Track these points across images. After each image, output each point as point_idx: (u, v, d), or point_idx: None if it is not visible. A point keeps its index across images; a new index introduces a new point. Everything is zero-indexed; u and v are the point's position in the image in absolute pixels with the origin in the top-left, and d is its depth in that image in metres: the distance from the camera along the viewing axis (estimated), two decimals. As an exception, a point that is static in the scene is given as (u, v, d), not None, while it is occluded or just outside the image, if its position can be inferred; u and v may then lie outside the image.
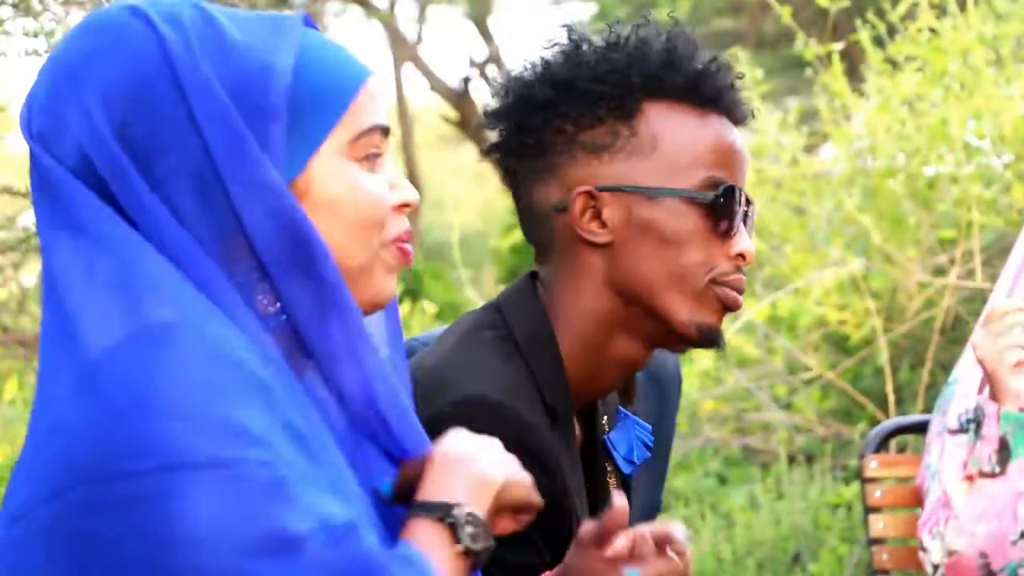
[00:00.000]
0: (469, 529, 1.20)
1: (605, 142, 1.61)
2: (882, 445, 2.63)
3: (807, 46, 4.99)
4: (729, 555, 4.56)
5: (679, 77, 1.62)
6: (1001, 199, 4.55)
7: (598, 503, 1.66)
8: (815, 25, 5.67)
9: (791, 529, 4.59)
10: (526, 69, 1.66)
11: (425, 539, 1.19)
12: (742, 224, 1.64)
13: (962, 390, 2.43)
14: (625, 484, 1.98)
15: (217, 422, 1.09)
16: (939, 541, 2.29)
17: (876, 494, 2.59)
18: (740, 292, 1.64)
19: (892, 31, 5.02)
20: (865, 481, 2.60)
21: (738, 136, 1.68)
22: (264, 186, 1.17)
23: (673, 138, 1.61)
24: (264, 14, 1.26)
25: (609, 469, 1.70)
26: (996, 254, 4.60)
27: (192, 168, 1.17)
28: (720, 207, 1.62)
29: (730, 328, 5.12)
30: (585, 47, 1.65)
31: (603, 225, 1.61)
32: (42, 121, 1.20)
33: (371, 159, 1.25)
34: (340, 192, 1.23)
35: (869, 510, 2.60)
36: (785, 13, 4.97)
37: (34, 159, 1.22)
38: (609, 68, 1.62)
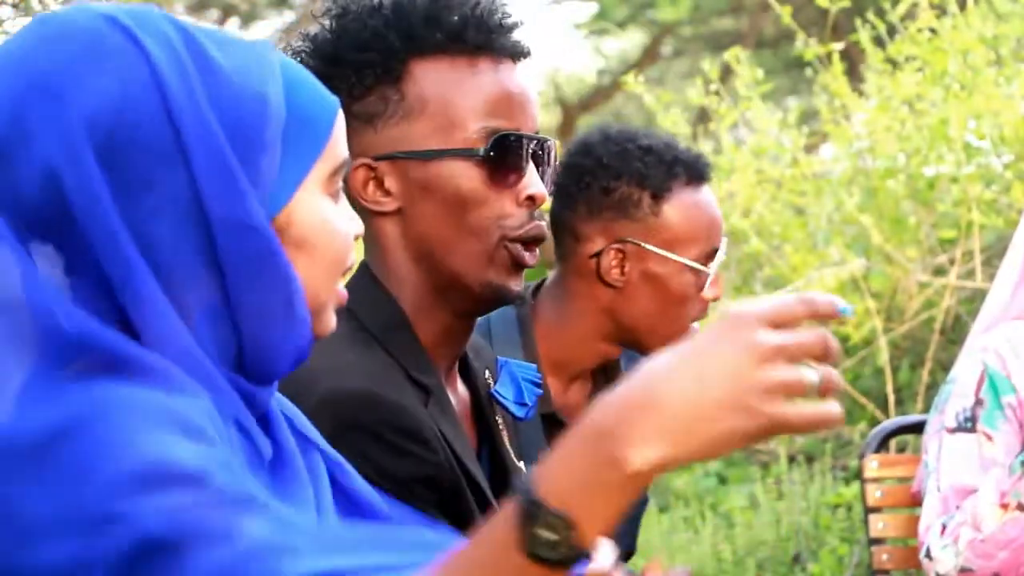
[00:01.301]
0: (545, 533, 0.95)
1: (377, 110, 1.57)
2: (882, 445, 2.64)
3: (807, 46, 4.99)
4: (729, 555, 4.57)
5: (439, 31, 1.57)
6: (1001, 199, 4.55)
7: (499, 457, 1.65)
8: (815, 25, 5.67)
9: (791, 529, 4.59)
10: (299, 45, 1.62)
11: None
12: (532, 166, 1.58)
13: (960, 389, 2.44)
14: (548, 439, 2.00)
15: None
16: (952, 553, 2.30)
17: (876, 494, 2.59)
18: (538, 240, 1.60)
19: (892, 31, 5.02)
20: (865, 481, 2.60)
21: (514, 76, 1.60)
22: (250, 227, 1.12)
23: (441, 94, 1.56)
24: (237, 38, 1.19)
25: (500, 421, 1.69)
26: (996, 254, 4.60)
27: (173, 199, 1.11)
28: (499, 158, 1.57)
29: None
30: (349, 16, 1.62)
31: (387, 194, 1.58)
32: (3, 128, 1.10)
33: (336, 193, 1.21)
34: (318, 229, 1.18)
35: (869, 510, 2.60)
36: (785, 13, 4.97)
37: None
38: (371, 34, 1.58)
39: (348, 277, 1.27)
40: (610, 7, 12.38)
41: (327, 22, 1.62)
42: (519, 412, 1.69)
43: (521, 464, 1.67)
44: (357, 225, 1.23)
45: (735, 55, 5.27)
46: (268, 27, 14.94)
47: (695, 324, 2.23)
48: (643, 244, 2.15)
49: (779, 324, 0.97)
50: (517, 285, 1.61)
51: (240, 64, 1.15)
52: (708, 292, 2.18)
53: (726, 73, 5.77)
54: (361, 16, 1.59)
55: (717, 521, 4.86)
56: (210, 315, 1.14)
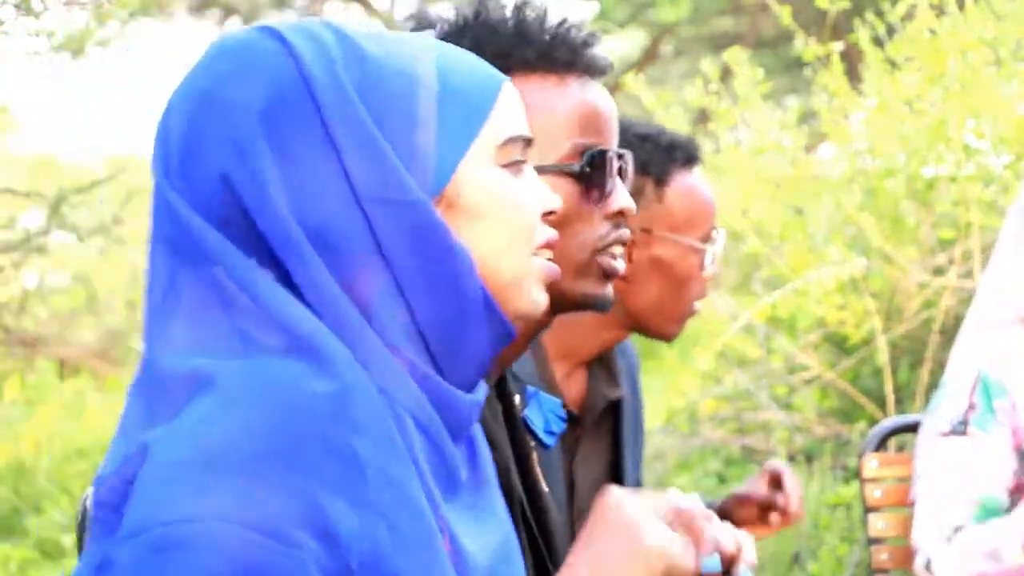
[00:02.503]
0: None
1: None
2: (881, 445, 2.64)
3: (806, 46, 4.99)
4: (729, 555, 4.56)
5: (529, 49, 1.60)
6: (1000, 199, 4.55)
7: (530, 478, 1.66)
8: (815, 25, 5.68)
9: (791, 529, 4.59)
10: None
11: None
12: (618, 180, 1.62)
13: (953, 393, 2.44)
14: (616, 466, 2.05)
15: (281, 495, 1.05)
16: (959, 563, 2.31)
17: (875, 494, 2.60)
18: (624, 243, 1.64)
19: (891, 31, 5.03)
20: (864, 481, 2.61)
21: (600, 93, 1.65)
22: (402, 203, 1.15)
23: (534, 112, 1.57)
24: (396, 33, 1.24)
25: (532, 445, 1.70)
26: (995, 254, 4.61)
27: (330, 184, 1.14)
28: (590, 174, 1.60)
29: (730, 328, 5.12)
30: (438, 35, 1.63)
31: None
32: (176, 151, 1.17)
33: (515, 166, 1.22)
34: (490, 199, 1.20)
35: (868, 510, 2.60)
36: (785, 13, 4.98)
37: (163, 196, 1.17)
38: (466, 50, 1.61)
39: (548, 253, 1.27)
40: (610, 7, 12.38)
41: None
42: (548, 440, 1.71)
43: (546, 488, 1.68)
44: (549, 200, 1.25)
45: (735, 55, 5.27)
46: (268, 27, 14.93)
47: (697, 304, 2.27)
48: (651, 230, 2.19)
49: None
50: (609, 292, 1.64)
51: (389, 51, 1.20)
52: (708, 270, 2.23)
53: (726, 73, 5.77)
54: (452, 35, 1.61)
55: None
56: (385, 300, 1.16)
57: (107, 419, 6.25)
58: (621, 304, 2.19)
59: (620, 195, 1.62)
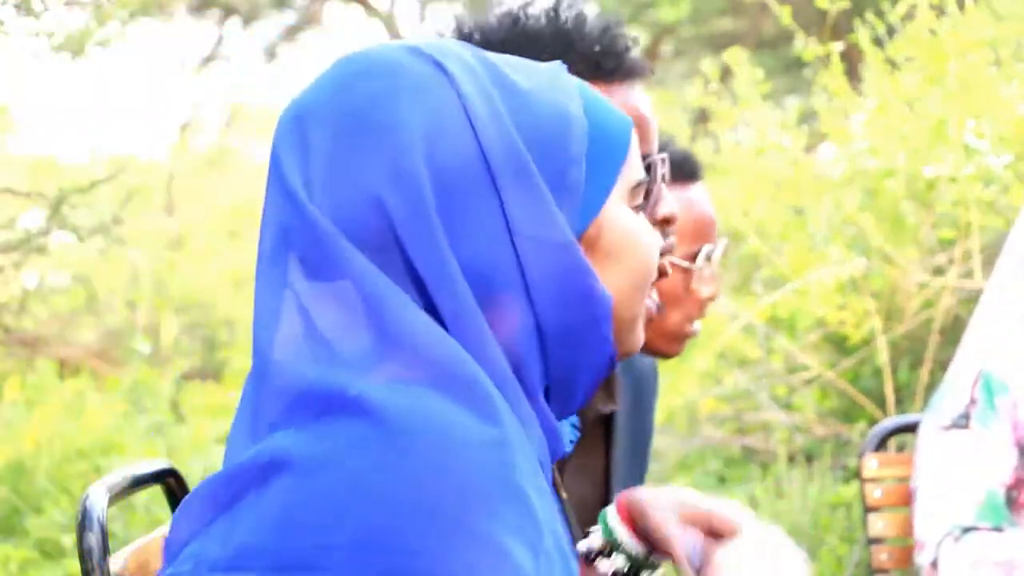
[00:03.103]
0: None
1: None
2: (881, 445, 2.64)
3: (806, 46, 5.00)
4: (729, 555, 4.56)
5: (578, 59, 1.60)
6: (1000, 199, 4.56)
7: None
8: (815, 25, 5.68)
9: (791, 529, 4.59)
10: None
11: None
12: (663, 186, 1.63)
13: (954, 389, 2.45)
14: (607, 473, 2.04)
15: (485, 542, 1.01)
16: (969, 568, 2.31)
17: (875, 494, 2.60)
18: (664, 254, 1.64)
19: (891, 31, 5.03)
20: (864, 481, 2.61)
21: (643, 98, 1.66)
22: (557, 244, 1.13)
23: None
24: (530, 62, 1.21)
25: None
26: (995, 254, 4.61)
27: (485, 221, 1.12)
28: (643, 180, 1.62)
29: (730, 328, 5.12)
30: (484, 36, 1.62)
31: None
32: (321, 167, 1.13)
33: (639, 208, 1.22)
34: (627, 240, 1.19)
35: (868, 510, 2.60)
36: (785, 13, 4.98)
37: (303, 213, 1.12)
38: (512, 49, 1.59)
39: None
40: (610, 7, 12.38)
41: None
42: (568, 448, 1.72)
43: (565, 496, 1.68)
44: (659, 239, 1.24)
45: (735, 55, 5.28)
46: (269, 27, 14.93)
47: (695, 324, 2.22)
48: None
49: None
50: (650, 297, 1.65)
51: (539, 84, 1.18)
52: (704, 291, 2.18)
53: (726, 73, 5.78)
54: (491, 44, 1.60)
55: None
56: (527, 342, 1.14)
57: (107, 419, 6.25)
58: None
59: (664, 202, 1.62)
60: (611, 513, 1.42)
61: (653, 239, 1.21)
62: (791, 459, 5.22)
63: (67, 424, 6.06)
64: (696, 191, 2.20)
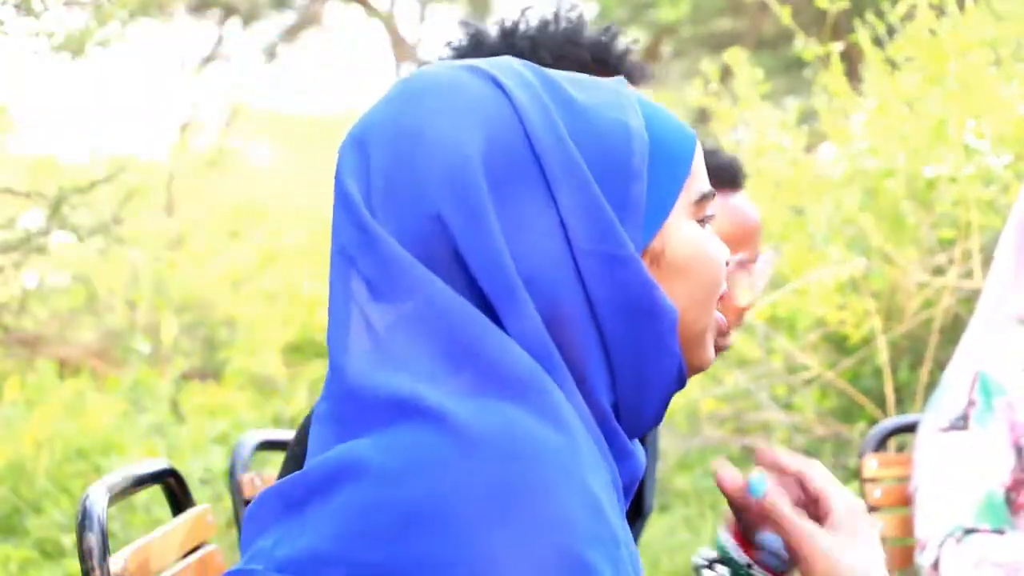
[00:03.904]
0: None
1: None
2: (881, 445, 2.64)
3: (806, 46, 5.00)
4: (729, 555, 4.56)
5: (583, 50, 1.61)
6: (1000, 199, 4.56)
7: None
8: (815, 25, 5.68)
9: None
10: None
11: None
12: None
13: (952, 390, 2.45)
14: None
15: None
16: (971, 570, 2.31)
17: (875, 494, 2.60)
18: None
19: (891, 31, 5.03)
20: (864, 481, 2.61)
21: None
22: (618, 259, 1.12)
23: None
24: (590, 78, 1.21)
25: None
26: (995, 254, 4.61)
27: (545, 235, 1.12)
28: None
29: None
30: (487, 42, 1.63)
31: None
32: (380, 185, 1.13)
33: (706, 220, 1.21)
34: (692, 254, 1.18)
35: (868, 509, 2.60)
36: (785, 13, 4.98)
37: (366, 231, 1.12)
38: (516, 54, 1.61)
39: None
40: (610, 7, 12.38)
41: (453, 53, 1.64)
42: None
43: None
44: (726, 251, 1.23)
45: (735, 55, 5.28)
46: (269, 27, 14.93)
47: (730, 335, 2.11)
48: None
49: None
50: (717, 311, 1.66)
51: (598, 99, 1.17)
52: (741, 299, 2.10)
53: (726, 73, 5.78)
54: (503, 41, 1.61)
55: (717, 521, 4.86)
56: (591, 356, 1.13)
57: (107, 419, 6.25)
58: None
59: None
60: (721, 526, 1.46)
61: (720, 252, 1.20)
62: (791, 459, 5.21)
63: (67, 424, 6.06)
64: (739, 198, 2.16)
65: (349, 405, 1.09)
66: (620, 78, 1.23)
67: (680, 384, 1.19)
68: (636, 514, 2.20)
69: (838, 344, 5.23)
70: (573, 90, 1.17)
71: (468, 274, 1.11)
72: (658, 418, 1.19)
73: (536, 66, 1.18)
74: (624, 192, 1.14)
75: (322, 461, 1.07)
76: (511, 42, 1.63)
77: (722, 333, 2.12)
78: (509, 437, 1.04)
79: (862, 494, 2.61)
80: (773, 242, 5.22)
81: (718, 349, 2.15)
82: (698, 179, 1.20)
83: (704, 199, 1.20)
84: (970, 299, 4.75)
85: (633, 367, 1.15)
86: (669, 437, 5.89)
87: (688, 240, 1.18)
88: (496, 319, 1.10)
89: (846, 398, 5.20)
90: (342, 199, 1.14)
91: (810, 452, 5.23)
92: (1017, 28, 4.87)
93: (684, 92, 5.49)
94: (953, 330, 4.80)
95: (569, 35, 1.62)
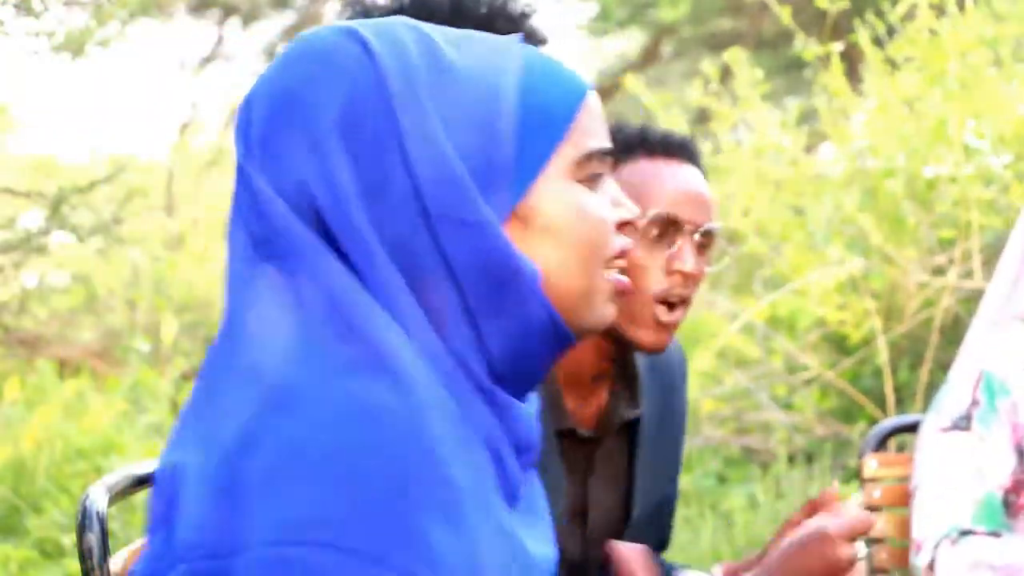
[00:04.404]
0: None
1: None
2: (881, 445, 2.64)
3: (806, 46, 5.00)
4: (729, 555, 4.57)
5: (468, 22, 1.61)
6: (1000, 199, 4.56)
7: None
8: (815, 25, 5.68)
9: (791, 529, 4.59)
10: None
11: None
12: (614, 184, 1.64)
13: (956, 390, 2.44)
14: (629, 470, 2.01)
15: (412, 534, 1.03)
16: (966, 572, 2.31)
17: (875, 494, 2.60)
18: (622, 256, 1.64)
19: (891, 31, 5.03)
20: (864, 481, 2.61)
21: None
22: (473, 225, 1.13)
23: None
24: (481, 36, 1.21)
25: None
26: (995, 254, 4.61)
27: (404, 199, 1.13)
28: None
29: (730, 328, 5.12)
30: (375, 14, 1.63)
31: None
32: (257, 145, 1.16)
33: (593, 179, 1.20)
34: (565, 216, 1.17)
35: (868, 509, 2.60)
36: (785, 13, 4.98)
37: (249, 188, 1.15)
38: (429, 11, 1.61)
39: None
40: (610, 7, 12.39)
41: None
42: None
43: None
44: (625, 211, 1.23)
45: (735, 55, 5.28)
46: (269, 27, 14.93)
47: (673, 314, 2.05)
48: None
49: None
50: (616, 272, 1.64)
51: (473, 60, 1.18)
52: (685, 265, 2.01)
53: (726, 73, 5.78)
54: (388, 13, 1.61)
55: (717, 521, 4.86)
56: (455, 318, 1.14)
57: (107, 419, 6.25)
58: None
59: (626, 206, 1.62)
60: None
61: (600, 212, 1.20)
62: (791, 459, 5.22)
63: (67, 424, 6.06)
64: (688, 171, 2.13)
65: (231, 380, 1.12)
66: (515, 36, 1.23)
67: (566, 340, 1.19)
68: (625, 518, 2.18)
69: (838, 344, 5.23)
70: (451, 50, 1.18)
71: (335, 243, 1.13)
72: (540, 378, 1.20)
73: (421, 26, 1.19)
74: (488, 155, 1.15)
75: (168, 453, 1.10)
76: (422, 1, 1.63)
77: (665, 301, 2.07)
78: (349, 405, 1.06)
79: (862, 494, 2.61)
80: (773, 242, 5.22)
81: (653, 324, 2.09)
82: (584, 137, 1.19)
83: (590, 158, 1.19)
84: (970, 299, 4.75)
85: (501, 327, 1.15)
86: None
87: (561, 200, 1.17)
88: (361, 282, 1.12)
89: (846, 398, 5.20)
90: (237, 158, 1.17)
91: (810, 452, 5.24)
92: (1017, 28, 4.87)
93: (684, 92, 5.48)
94: (953, 330, 4.80)
95: (453, 5, 1.62)
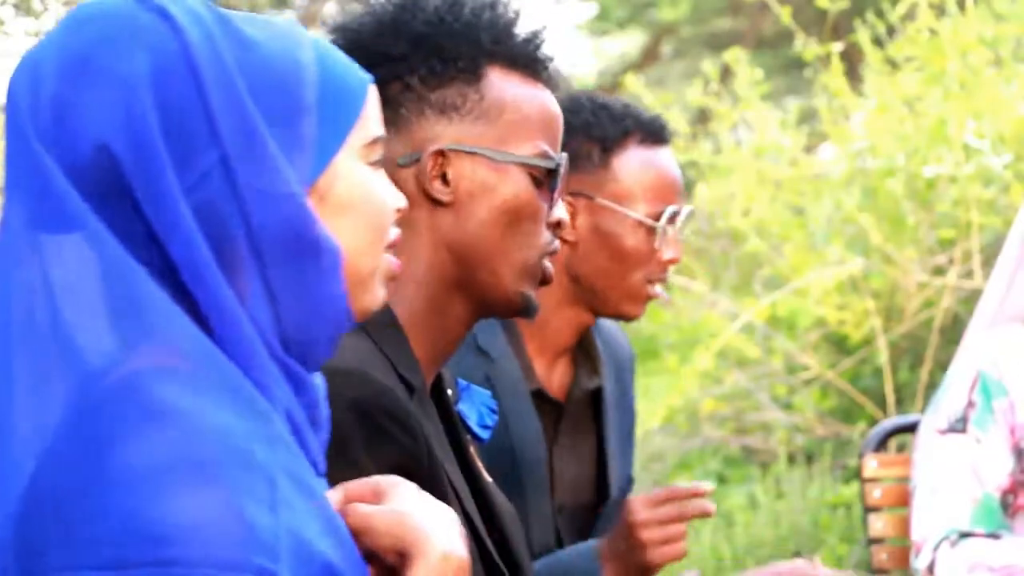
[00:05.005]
0: None
1: (455, 103, 1.61)
2: (881, 445, 2.64)
3: (807, 46, 5.00)
4: (729, 555, 4.57)
5: (520, 44, 1.63)
6: (1000, 199, 4.56)
7: (469, 468, 1.66)
8: (815, 25, 5.68)
9: (791, 529, 4.60)
10: (364, 18, 1.63)
11: None
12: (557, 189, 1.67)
13: (952, 391, 2.44)
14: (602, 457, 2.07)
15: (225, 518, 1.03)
16: (964, 574, 2.31)
17: (875, 494, 2.60)
18: (551, 255, 1.67)
19: (891, 31, 5.03)
20: (864, 481, 2.61)
21: (556, 104, 1.68)
22: (278, 197, 1.13)
23: (515, 106, 1.62)
24: (264, 17, 1.22)
25: (468, 439, 1.70)
26: (995, 254, 4.60)
27: (212, 171, 1.12)
28: (551, 179, 1.63)
29: (730, 328, 5.12)
30: (428, 3, 1.64)
31: (446, 184, 1.61)
32: (46, 111, 1.12)
33: (376, 165, 1.22)
34: (358, 194, 1.19)
35: (868, 510, 2.60)
36: (785, 13, 4.98)
37: (22, 153, 1.12)
38: (461, 27, 1.62)
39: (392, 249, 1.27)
40: (610, 7, 12.39)
41: (403, 4, 1.64)
42: (482, 434, 1.71)
43: (489, 478, 1.67)
44: (399, 199, 1.24)
45: (735, 55, 5.28)
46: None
47: (657, 288, 2.21)
48: (593, 197, 2.16)
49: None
50: (536, 299, 1.66)
51: (271, 35, 1.18)
52: (666, 253, 2.17)
53: (726, 73, 5.78)
54: (446, 8, 1.62)
55: (716, 521, 4.86)
56: (257, 291, 1.14)
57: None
58: (569, 275, 2.16)
59: (558, 207, 1.65)
60: None
61: (386, 196, 1.22)
62: (791, 459, 5.22)
63: (67, 424, 6.06)
64: (663, 154, 2.20)
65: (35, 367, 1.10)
66: (292, 18, 1.23)
67: (348, 322, 1.19)
68: (599, 499, 2.24)
69: (838, 344, 5.23)
70: (246, 25, 1.17)
71: (138, 209, 1.11)
72: (328, 353, 1.20)
73: (210, 3, 1.19)
74: (294, 126, 1.15)
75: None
76: (456, 14, 1.64)
77: (652, 281, 2.17)
78: (126, 382, 1.06)
79: (862, 494, 2.61)
80: (773, 242, 5.22)
81: (645, 298, 2.20)
82: (370, 122, 1.21)
83: (375, 143, 1.21)
84: (970, 299, 4.75)
85: (298, 302, 1.15)
86: (669, 437, 5.90)
87: (355, 180, 1.19)
88: (167, 257, 1.11)
89: (846, 398, 5.21)
90: (11, 126, 1.14)
91: (810, 452, 5.24)
92: (1017, 28, 4.87)
93: (684, 92, 5.48)
94: (953, 330, 4.80)
95: (508, 23, 1.64)
